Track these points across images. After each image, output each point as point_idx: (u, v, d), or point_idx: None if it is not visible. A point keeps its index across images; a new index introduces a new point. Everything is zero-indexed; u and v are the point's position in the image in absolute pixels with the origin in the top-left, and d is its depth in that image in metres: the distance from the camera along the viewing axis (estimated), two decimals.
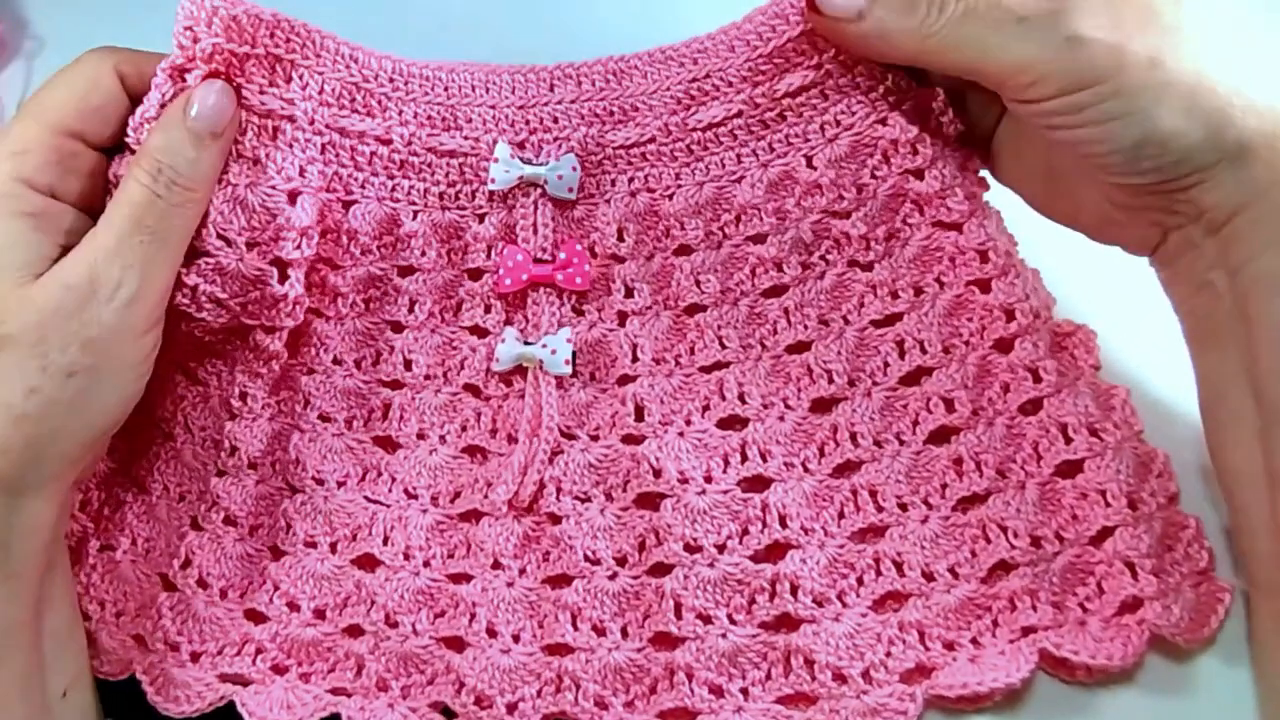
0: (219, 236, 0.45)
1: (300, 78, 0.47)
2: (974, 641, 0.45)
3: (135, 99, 0.46)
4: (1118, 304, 0.49)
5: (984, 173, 0.49)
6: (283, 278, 0.46)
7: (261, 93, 0.46)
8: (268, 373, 0.48)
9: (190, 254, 0.45)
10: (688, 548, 0.46)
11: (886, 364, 0.47)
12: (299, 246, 0.46)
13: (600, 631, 0.46)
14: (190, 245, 0.45)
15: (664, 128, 0.47)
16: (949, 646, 0.45)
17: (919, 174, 0.47)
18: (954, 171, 0.47)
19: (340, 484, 0.48)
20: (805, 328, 0.48)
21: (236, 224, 0.45)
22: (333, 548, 0.48)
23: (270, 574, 0.47)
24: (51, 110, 0.45)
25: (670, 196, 0.48)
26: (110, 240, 0.43)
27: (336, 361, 0.49)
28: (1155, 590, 0.44)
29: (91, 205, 0.45)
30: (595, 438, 0.48)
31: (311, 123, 0.47)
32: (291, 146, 0.46)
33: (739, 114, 0.47)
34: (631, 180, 0.48)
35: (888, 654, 0.44)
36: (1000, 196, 0.48)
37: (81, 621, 0.46)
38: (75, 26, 0.61)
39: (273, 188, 0.46)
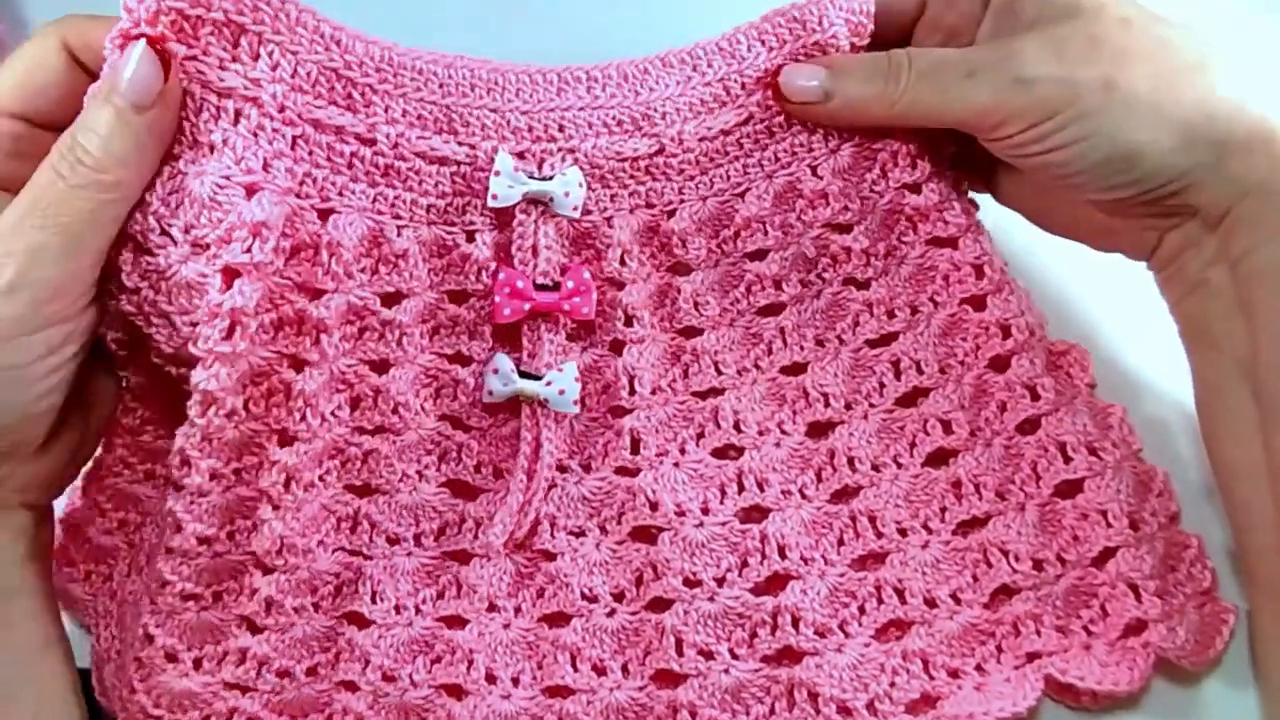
0: (162, 232, 0.40)
1: (270, 55, 0.41)
2: (979, 668, 0.44)
3: (91, 71, 0.41)
4: (1111, 323, 0.49)
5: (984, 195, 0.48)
6: (227, 287, 0.41)
7: (221, 68, 0.40)
8: (210, 428, 0.41)
9: (137, 250, 0.40)
10: (687, 582, 0.45)
11: (882, 385, 0.46)
12: (249, 249, 0.40)
13: (600, 671, 0.45)
14: (135, 241, 0.40)
15: (676, 137, 0.45)
16: (954, 674, 0.44)
17: (915, 188, 0.46)
18: (950, 187, 0.46)
19: (321, 544, 0.44)
20: (801, 349, 0.47)
21: (182, 218, 0.40)
22: (316, 606, 0.44)
23: (254, 652, 0.44)
24: None
25: (672, 213, 0.46)
26: (3, 224, 0.38)
27: (322, 421, 0.44)
28: (1159, 612, 0.44)
29: None
30: (588, 468, 0.46)
31: (281, 110, 0.41)
32: (256, 136, 0.41)
33: (749, 119, 0.45)
34: (633, 195, 0.45)
35: (892, 684, 0.44)
36: (994, 219, 0.48)
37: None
38: None
39: (226, 178, 0.40)
